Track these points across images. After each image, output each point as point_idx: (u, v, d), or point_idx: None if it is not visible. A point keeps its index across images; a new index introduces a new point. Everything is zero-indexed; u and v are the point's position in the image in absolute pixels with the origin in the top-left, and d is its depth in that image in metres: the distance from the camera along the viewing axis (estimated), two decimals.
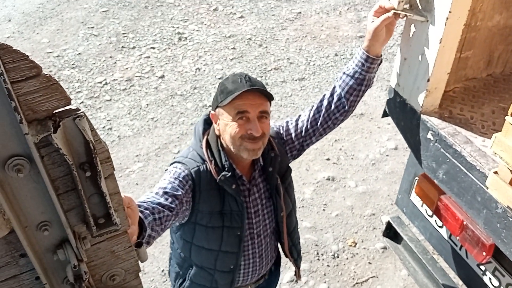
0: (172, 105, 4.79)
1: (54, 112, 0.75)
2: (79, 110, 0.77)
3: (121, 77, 5.18)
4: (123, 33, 5.95)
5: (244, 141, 1.60)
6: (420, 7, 1.61)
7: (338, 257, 3.35)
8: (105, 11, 6.45)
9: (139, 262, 1.04)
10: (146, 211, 1.41)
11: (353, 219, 3.63)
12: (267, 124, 1.64)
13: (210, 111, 1.73)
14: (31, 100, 0.72)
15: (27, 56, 0.69)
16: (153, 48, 5.67)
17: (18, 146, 0.73)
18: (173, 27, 6.07)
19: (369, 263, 3.32)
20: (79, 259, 0.86)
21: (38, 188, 0.79)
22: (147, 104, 4.81)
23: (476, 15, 1.75)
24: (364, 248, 3.42)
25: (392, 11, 1.60)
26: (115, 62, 5.42)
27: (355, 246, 3.43)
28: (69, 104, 0.76)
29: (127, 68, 5.33)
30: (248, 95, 1.55)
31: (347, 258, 3.34)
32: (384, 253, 3.38)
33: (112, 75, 5.22)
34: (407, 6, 1.62)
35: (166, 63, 5.40)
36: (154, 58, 5.49)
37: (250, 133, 1.58)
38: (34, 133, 0.72)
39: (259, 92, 1.58)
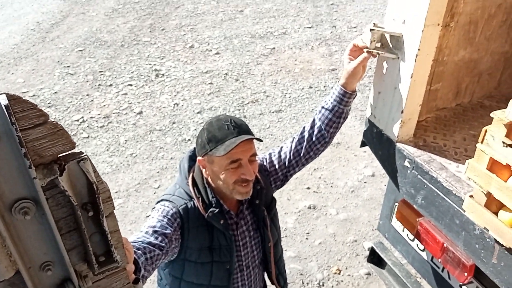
0: (151, 140, 4.81)
1: (59, 156, 0.79)
2: (83, 153, 0.81)
3: (99, 114, 5.19)
4: (100, 71, 6.00)
5: (237, 185, 1.63)
6: (391, 46, 1.72)
7: (323, 285, 3.37)
8: (81, 50, 6.50)
9: None
10: (139, 251, 1.42)
11: (336, 246, 3.67)
12: (256, 164, 1.69)
13: (194, 148, 1.77)
14: (38, 146, 0.76)
15: (36, 105, 0.74)
16: (131, 85, 5.72)
17: (24, 190, 0.76)
18: (150, 64, 6.15)
19: None
20: None
21: (42, 229, 0.81)
22: (126, 140, 4.81)
23: (443, 51, 1.88)
24: (349, 275, 3.45)
25: (366, 50, 1.71)
26: (92, 100, 5.43)
27: (339, 273, 3.46)
28: (74, 148, 0.80)
29: (104, 105, 5.34)
30: (239, 143, 1.57)
31: (332, 286, 3.36)
32: (369, 279, 3.41)
33: (89, 112, 5.22)
34: (379, 44, 1.73)
35: (144, 99, 5.44)
36: (131, 94, 5.53)
37: (244, 177, 1.61)
38: (41, 177, 0.76)
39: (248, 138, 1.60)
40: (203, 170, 1.70)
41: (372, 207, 4.03)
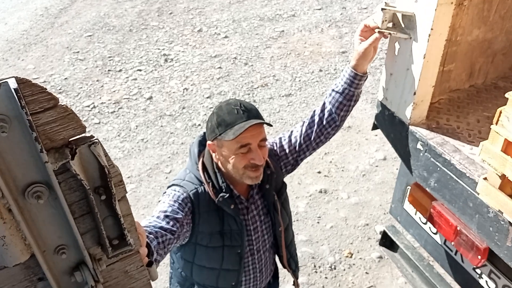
0: (161, 126, 4.82)
1: (70, 140, 0.78)
2: (94, 137, 0.81)
3: (109, 100, 5.21)
4: (109, 57, 5.99)
5: (247, 170, 1.63)
6: (403, 26, 1.69)
7: (335, 268, 3.38)
8: (89, 35, 6.49)
9: (151, 281, 1.06)
10: (151, 236, 1.43)
11: (348, 230, 3.67)
12: (266, 149, 1.68)
13: (204, 132, 1.76)
14: (49, 130, 0.75)
15: (45, 88, 0.73)
16: (140, 70, 5.71)
17: (37, 174, 0.76)
18: (159, 49, 6.13)
19: (366, 273, 3.35)
20: (95, 280, 0.89)
21: (55, 213, 0.82)
22: (137, 126, 4.83)
23: (456, 30, 1.83)
24: (360, 258, 3.45)
25: (378, 31, 1.67)
26: (102, 86, 5.44)
27: (351, 257, 3.47)
28: (84, 132, 0.80)
29: (114, 91, 5.35)
30: (248, 127, 1.56)
31: (344, 269, 3.38)
32: (380, 262, 3.42)
33: (100, 98, 5.24)
34: (390, 24, 1.69)
35: (153, 85, 5.44)
36: (141, 80, 5.53)
37: (254, 162, 1.61)
38: (53, 161, 0.76)
39: (258, 123, 1.59)
40: (213, 155, 1.70)
41: (384, 190, 4.02)
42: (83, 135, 0.80)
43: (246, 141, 1.58)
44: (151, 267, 1.06)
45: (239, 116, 1.57)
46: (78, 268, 0.89)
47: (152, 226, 1.50)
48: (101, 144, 0.81)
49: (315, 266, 3.41)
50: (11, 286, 0.86)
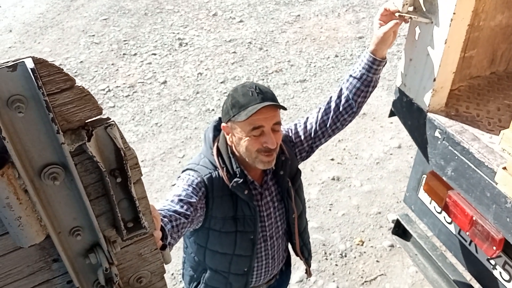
0: (175, 110, 4.82)
1: (86, 121, 0.78)
2: (110, 119, 0.80)
3: (124, 83, 5.22)
4: (124, 40, 5.99)
5: (260, 154, 1.62)
6: (424, 9, 1.64)
7: (346, 256, 3.38)
8: (105, 19, 6.49)
9: (164, 264, 1.07)
10: (165, 219, 1.43)
11: (360, 218, 3.66)
12: (280, 134, 1.66)
13: (219, 117, 1.76)
14: (66, 111, 0.75)
15: (62, 69, 0.73)
16: (155, 54, 5.70)
17: (53, 155, 0.76)
18: (174, 33, 6.11)
19: (377, 261, 3.34)
20: (110, 262, 0.89)
21: (70, 195, 0.82)
22: (151, 110, 4.84)
23: (479, 15, 1.78)
24: (372, 246, 3.44)
25: (398, 15, 1.63)
26: (117, 69, 5.45)
27: (362, 244, 3.46)
28: (101, 113, 0.79)
29: (129, 75, 5.36)
30: (262, 109, 1.55)
31: (355, 257, 3.37)
32: (392, 251, 3.40)
33: (115, 82, 5.25)
34: (411, 8, 1.65)
35: (168, 69, 5.43)
36: (155, 64, 5.52)
37: (266, 146, 1.60)
38: (69, 142, 0.75)
39: (272, 105, 1.58)
40: (227, 137, 1.70)
41: (398, 179, 3.98)
42: (99, 117, 0.79)
43: (259, 123, 1.57)
44: (164, 250, 1.07)
45: (253, 98, 1.56)
46: (92, 250, 0.90)
47: (166, 209, 1.51)
48: (117, 126, 0.81)
49: (325, 253, 3.41)
50: (26, 267, 0.88)
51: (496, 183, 1.50)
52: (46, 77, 0.71)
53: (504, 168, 1.45)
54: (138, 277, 1.02)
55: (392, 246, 3.44)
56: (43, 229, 0.79)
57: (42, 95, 0.68)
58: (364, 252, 3.42)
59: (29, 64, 0.67)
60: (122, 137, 0.83)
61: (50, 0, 7.08)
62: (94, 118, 0.78)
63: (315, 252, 3.39)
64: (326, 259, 3.38)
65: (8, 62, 0.67)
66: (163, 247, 1.07)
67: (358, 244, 3.47)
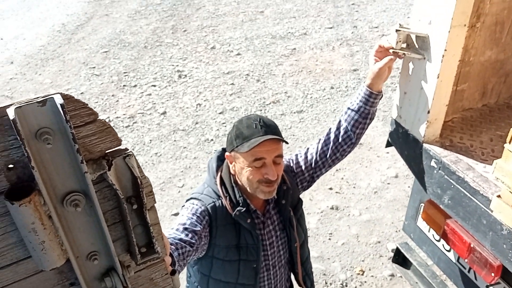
0: (175, 140, 4.89)
1: (106, 152, 0.84)
2: (128, 149, 0.86)
3: (124, 114, 5.30)
4: (124, 72, 6.12)
5: (261, 185, 1.67)
6: (416, 46, 1.74)
7: (346, 286, 3.37)
8: (105, 51, 6.64)
9: None
10: (172, 246, 1.47)
11: (359, 247, 3.67)
12: (281, 166, 1.72)
13: (222, 148, 1.82)
14: (89, 142, 0.81)
15: (86, 104, 0.79)
16: (154, 85, 5.82)
17: (75, 184, 0.81)
18: (173, 65, 6.25)
19: None
20: (124, 286, 0.93)
21: (90, 221, 0.87)
22: (150, 140, 4.90)
23: (469, 51, 1.88)
24: (372, 276, 3.44)
25: (392, 51, 1.72)
26: (117, 100, 5.55)
27: (362, 274, 3.46)
28: (120, 144, 0.85)
29: (129, 106, 5.45)
30: (264, 142, 1.61)
31: (355, 287, 3.37)
32: (392, 280, 3.41)
33: (115, 112, 5.33)
34: (404, 45, 1.74)
35: (167, 100, 5.53)
36: (155, 95, 5.63)
37: (267, 177, 1.65)
38: (91, 171, 0.81)
39: (275, 138, 1.64)
40: (230, 166, 1.75)
41: (396, 208, 4.02)
42: (118, 147, 0.85)
43: (260, 155, 1.63)
44: (174, 275, 1.10)
45: (257, 130, 1.63)
46: (108, 274, 0.93)
47: (172, 238, 1.54)
48: (134, 156, 0.86)
49: (326, 283, 3.40)
50: None
51: (492, 211, 1.55)
52: (72, 111, 0.77)
53: (499, 196, 1.50)
54: None
55: (392, 275, 3.44)
56: (64, 253, 0.83)
57: (69, 128, 0.73)
58: (365, 282, 3.41)
59: (58, 100, 0.73)
60: (139, 166, 0.88)
61: (51, 33, 7.25)
62: (114, 149, 0.84)
63: (315, 282, 3.38)
64: None
65: (38, 98, 0.73)
66: (173, 272, 1.10)
67: (359, 274, 3.47)
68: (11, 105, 0.70)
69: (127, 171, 0.86)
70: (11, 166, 0.76)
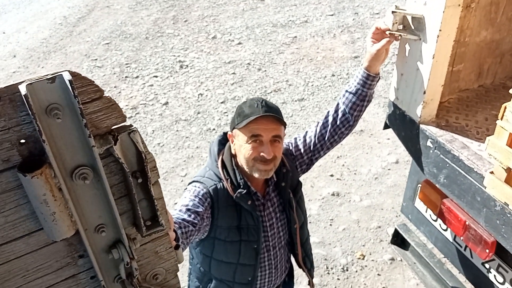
0: (177, 130, 4.93)
1: (112, 128, 0.88)
2: (132, 125, 0.91)
3: (126, 105, 5.34)
4: (126, 64, 6.15)
5: (257, 163, 1.71)
6: (412, 27, 1.77)
7: (347, 270, 3.43)
8: (107, 43, 6.66)
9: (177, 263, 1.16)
10: (176, 225, 1.52)
11: (360, 232, 3.73)
12: (279, 147, 1.75)
13: (224, 132, 1.87)
14: (95, 118, 0.85)
15: (93, 81, 0.84)
16: (156, 76, 5.85)
17: (83, 158, 0.86)
18: (174, 55, 6.27)
19: (378, 274, 3.40)
20: (131, 257, 0.98)
21: (97, 194, 0.92)
22: (153, 130, 4.95)
23: (464, 31, 1.91)
24: (373, 260, 3.50)
25: (388, 33, 1.76)
26: (119, 92, 5.59)
27: (363, 258, 3.52)
28: (125, 121, 0.90)
29: (131, 97, 5.49)
30: (262, 120, 1.67)
31: (356, 271, 3.43)
32: (392, 264, 3.46)
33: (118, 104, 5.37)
34: (401, 27, 1.78)
35: (169, 90, 5.57)
36: (157, 86, 5.67)
37: (262, 155, 1.69)
38: (98, 145, 0.86)
39: (273, 118, 1.69)
40: (232, 146, 1.80)
41: (396, 193, 4.06)
42: (123, 124, 0.90)
43: (257, 132, 1.68)
44: (178, 250, 1.16)
45: (257, 109, 1.68)
46: (115, 246, 0.98)
47: (175, 218, 1.59)
48: (139, 132, 0.91)
49: (327, 268, 3.46)
50: (55, 262, 0.96)
51: (485, 187, 1.60)
52: (80, 88, 0.81)
53: (492, 172, 1.54)
54: (154, 274, 1.10)
55: (392, 259, 3.50)
56: (73, 224, 0.89)
57: (78, 103, 0.78)
58: (366, 266, 3.47)
59: (67, 76, 0.77)
60: (143, 142, 0.93)
61: (53, 26, 7.27)
62: (119, 125, 0.89)
63: (317, 267, 3.44)
64: (328, 273, 3.43)
65: (47, 75, 0.78)
66: (177, 247, 1.16)
67: (359, 258, 3.53)
68: (22, 82, 0.75)
69: (132, 146, 0.91)
70: (23, 141, 0.80)
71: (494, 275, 1.95)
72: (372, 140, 4.69)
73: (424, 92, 1.81)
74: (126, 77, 5.87)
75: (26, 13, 7.82)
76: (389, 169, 4.34)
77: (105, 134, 0.87)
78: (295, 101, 5.28)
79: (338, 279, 3.39)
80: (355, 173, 4.31)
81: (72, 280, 1.00)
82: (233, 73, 5.83)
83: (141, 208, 0.97)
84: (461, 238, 1.93)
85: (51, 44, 6.76)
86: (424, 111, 1.87)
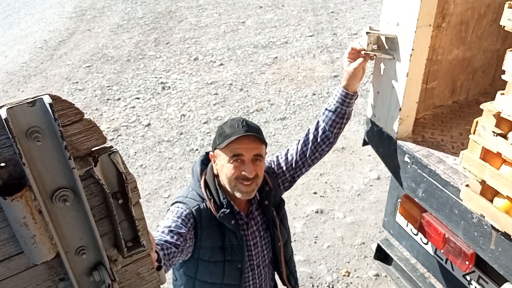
0: (159, 151, 4.92)
1: (92, 149, 0.89)
2: (113, 147, 0.92)
3: (108, 127, 5.32)
4: (108, 86, 6.15)
5: (238, 182, 1.73)
6: (386, 47, 1.83)
7: (333, 287, 3.43)
8: (88, 66, 6.66)
9: (160, 284, 1.15)
10: (158, 247, 1.52)
11: (344, 249, 3.74)
12: (261, 166, 1.77)
13: (206, 152, 1.88)
14: (75, 140, 0.86)
15: (73, 104, 0.85)
16: (138, 98, 5.86)
17: (63, 180, 0.87)
18: (156, 77, 6.30)
19: None
20: (112, 279, 0.98)
21: (78, 217, 0.92)
22: (135, 152, 4.93)
23: (437, 50, 1.98)
24: (358, 276, 3.51)
25: (364, 53, 1.81)
26: (101, 114, 5.57)
27: (348, 275, 3.52)
28: (105, 142, 0.91)
29: (113, 119, 5.48)
30: (243, 139, 1.69)
31: None
32: (377, 280, 3.48)
33: (99, 126, 5.34)
34: (375, 47, 1.84)
35: (151, 112, 5.57)
36: (139, 107, 5.67)
37: (244, 174, 1.71)
38: (78, 167, 0.86)
39: (254, 137, 1.71)
40: (214, 166, 1.81)
41: (379, 209, 4.10)
42: (104, 145, 0.91)
43: (239, 151, 1.70)
44: (160, 271, 1.15)
45: (238, 129, 1.70)
46: (96, 268, 0.98)
47: (158, 239, 1.59)
48: (119, 153, 0.92)
49: (313, 286, 3.46)
50: (35, 285, 0.95)
51: (461, 200, 1.64)
52: (60, 111, 0.82)
53: (467, 185, 1.59)
54: None
55: (377, 275, 3.51)
56: (53, 247, 0.88)
57: (58, 126, 0.79)
58: (351, 283, 3.48)
59: (47, 100, 0.79)
60: (123, 163, 0.94)
61: (33, 50, 7.25)
62: (99, 146, 0.90)
63: (302, 286, 3.44)
64: None
65: (28, 98, 0.79)
66: (159, 268, 1.15)
67: (345, 275, 3.53)
68: (2, 106, 0.76)
69: (112, 168, 0.92)
70: (3, 164, 0.81)
71: (475, 287, 1.98)
72: (353, 157, 4.75)
73: (400, 109, 1.86)
74: (107, 99, 5.86)
75: (5, 37, 7.79)
76: (371, 185, 4.39)
77: (85, 156, 0.88)
78: (277, 120, 5.34)
79: None
80: (338, 190, 4.35)
81: None
82: (216, 93, 5.87)
83: (122, 229, 0.97)
84: (442, 251, 1.96)
85: (31, 68, 6.73)
86: (401, 127, 1.92)
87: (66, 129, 0.84)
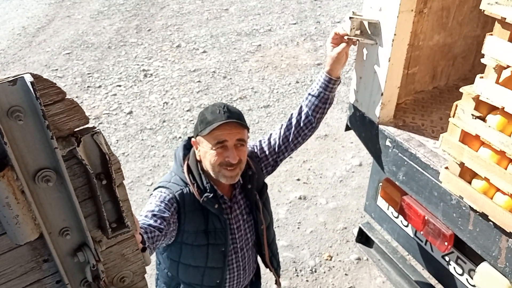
0: (142, 139, 4.89)
1: (75, 130, 0.89)
2: (96, 127, 0.91)
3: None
4: (88, 73, 6.05)
5: (223, 168, 1.73)
6: (369, 32, 1.85)
7: (316, 271, 3.49)
8: (68, 53, 6.54)
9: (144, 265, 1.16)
10: (142, 230, 1.52)
11: (327, 234, 3.80)
12: (244, 151, 1.78)
13: (188, 137, 1.88)
14: (58, 120, 0.86)
15: (55, 83, 0.84)
16: (119, 86, 5.78)
17: (46, 160, 0.86)
18: (138, 64, 6.22)
19: (345, 274, 3.47)
20: (96, 260, 0.98)
21: (61, 197, 0.91)
22: (117, 140, 4.88)
23: (418, 36, 2.01)
24: (340, 260, 3.57)
25: (347, 38, 1.83)
26: (81, 102, 5.48)
27: (331, 259, 3.58)
28: (88, 123, 0.90)
29: (94, 107, 5.40)
30: (225, 125, 1.69)
31: (324, 272, 3.49)
32: (359, 263, 3.54)
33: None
34: (358, 32, 1.85)
35: (133, 99, 5.51)
36: (121, 95, 5.60)
37: (228, 160, 1.71)
38: (61, 147, 0.86)
39: (236, 123, 1.72)
40: (196, 152, 1.81)
41: (360, 195, 4.16)
42: (86, 126, 0.90)
43: (222, 138, 1.70)
44: (145, 252, 1.16)
45: (220, 115, 1.70)
46: (80, 249, 0.98)
47: (141, 223, 1.59)
48: (102, 134, 0.92)
49: (296, 270, 3.51)
50: (19, 267, 0.95)
51: (441, 182, 1.68)
52: (42, 90, 0.81)
53: (446, 167, 1.62)
54: (121, 276, 1.10)
55: (359, 259, 3.58)
56: (37, 227, 0.88)
57: (39, 105, 0.78)
58: (333, 267, 3.54)
59: (28, 78, 0.78)
60: (107, 144, 0.93)
61: (11, 37, 7.07)
62: (82, 127, 0.89)
63: (286, 270, 3.48)
64: (297, 275, 3.48)
65: (8, 77, 0.78)
66: (144, 249, 1.16)
67: (327, 259, 3.59)
68: None
69: (95, 148, 0.92)
70: None
71: (454, 267, 2.04)
72: (336, 144, 4.79)
73: (382, 94, 1.89)
74: (88, 87, 5.77)
75: None
76: (353, 172, 4.44)
77: (68, 136, 0.87)
78: (261, 107, 5.34)
79: (307, 280, 3.43)
80: (320, 177, 4.39)
81: (37, 285, 0.99)
82: (199, 81, 5.84)
83: (106, 210, 0.97)
84: (421, 232, 2.01)
85: (9, 55, 6.57)
86: (382, 112, 1.95)
87: (48, 108, 0.83)
